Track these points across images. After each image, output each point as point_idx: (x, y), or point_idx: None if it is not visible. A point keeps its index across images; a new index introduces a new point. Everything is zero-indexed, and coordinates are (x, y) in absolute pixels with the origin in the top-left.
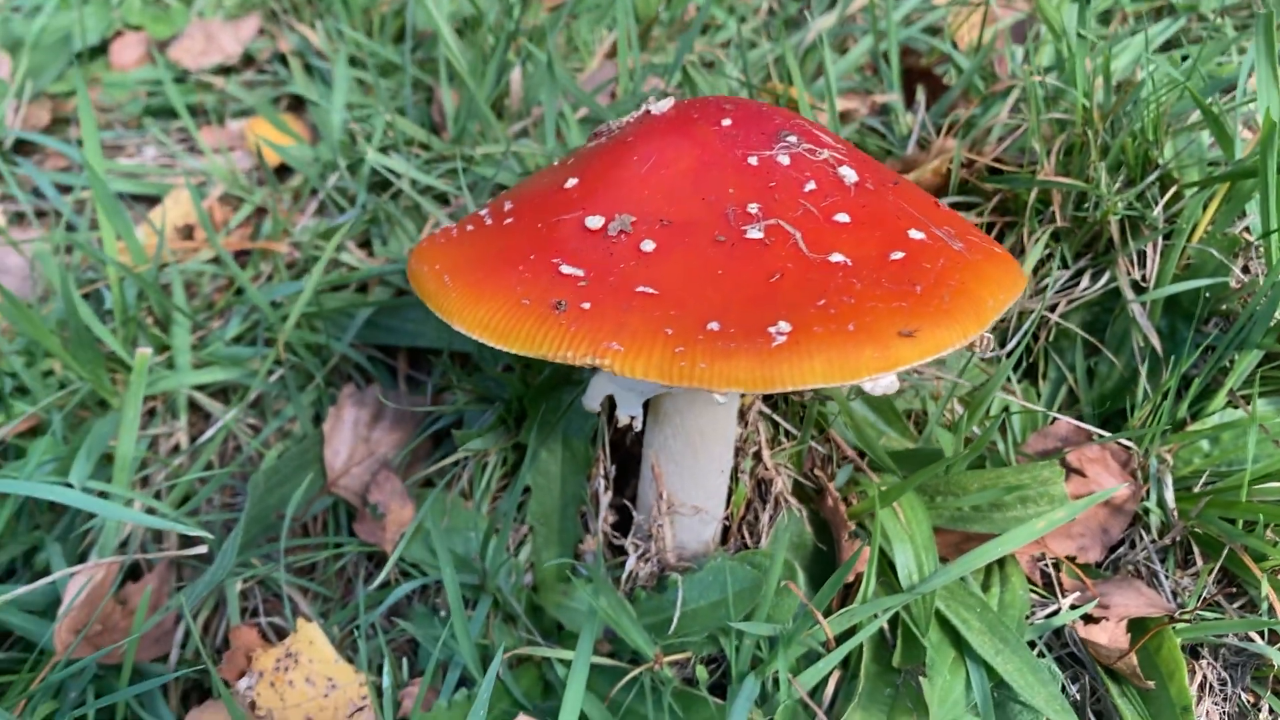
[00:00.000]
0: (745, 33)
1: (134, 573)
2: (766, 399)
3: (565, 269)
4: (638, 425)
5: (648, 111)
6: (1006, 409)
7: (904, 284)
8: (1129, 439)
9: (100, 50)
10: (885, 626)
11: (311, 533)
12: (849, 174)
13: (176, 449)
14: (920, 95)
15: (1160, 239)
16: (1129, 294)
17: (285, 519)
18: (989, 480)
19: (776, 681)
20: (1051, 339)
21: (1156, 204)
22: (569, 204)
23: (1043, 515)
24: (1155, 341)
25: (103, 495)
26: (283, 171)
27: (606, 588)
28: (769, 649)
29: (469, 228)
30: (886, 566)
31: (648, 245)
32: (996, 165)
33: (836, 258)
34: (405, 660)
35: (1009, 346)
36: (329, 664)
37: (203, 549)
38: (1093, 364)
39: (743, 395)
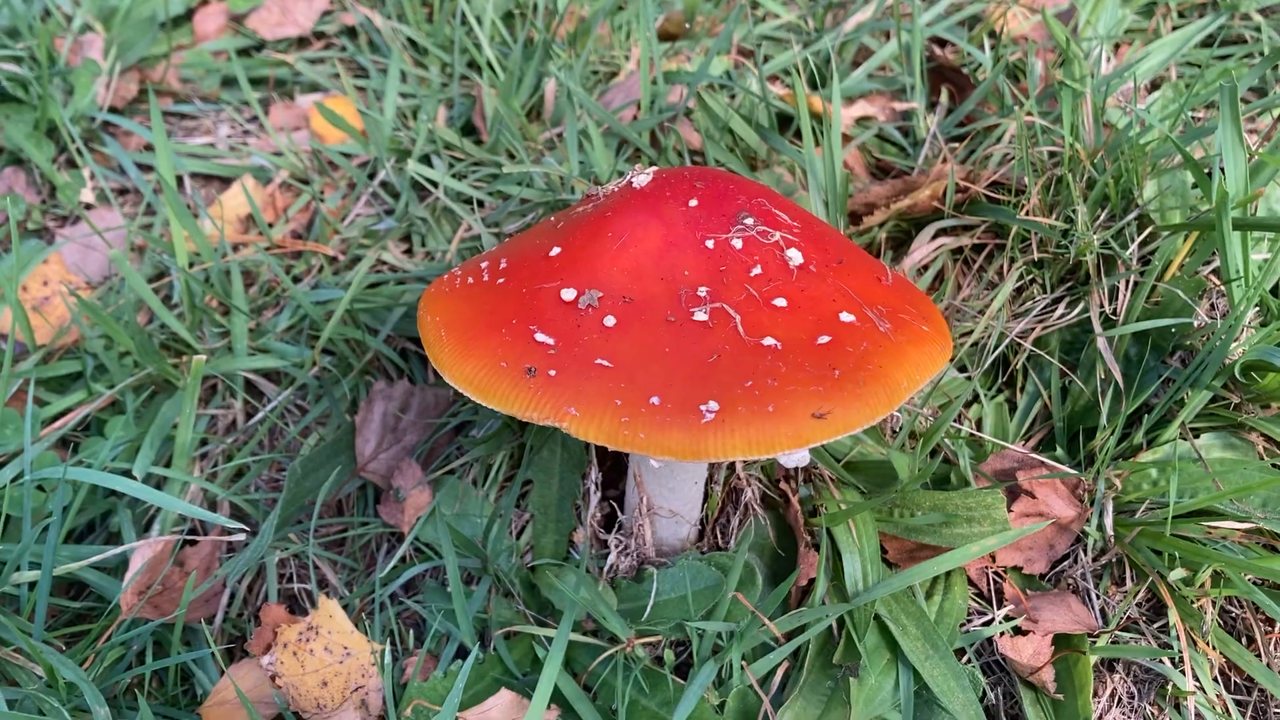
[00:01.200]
0: (778, 31)
1: (194, 533)
2: None
3: (539, 337)
4: None
5: (630, 183)
6: (962, 421)
7: (824, 368)
8: (1078, 456)
9: (185, 19)
10: (834, 625)
11: (344, 511)
12: (795, 256)
13: (233, 426)
14: (944, 98)
15: (1133, 277)
16: (1098, 327)
17: (317, 503)
18: (938, 502)
19: (733, 668)
20: (1031, 357)
21: (1133, 242)
22: (550, 273)
23: (984, 536)
24: (1116, 374)
25: (163, 479)
26: (341, 166)
27: (588, 580)
28: (728, 639)
29: (469, 280)
30: (840, 570)
31: (609, 320)
32: (991, 194)
33: (769, 341)
34: (413, 632)
35: (982, 367)
36: (345, 634)
37: (242, 536)
38: (1066, 383)
39: None
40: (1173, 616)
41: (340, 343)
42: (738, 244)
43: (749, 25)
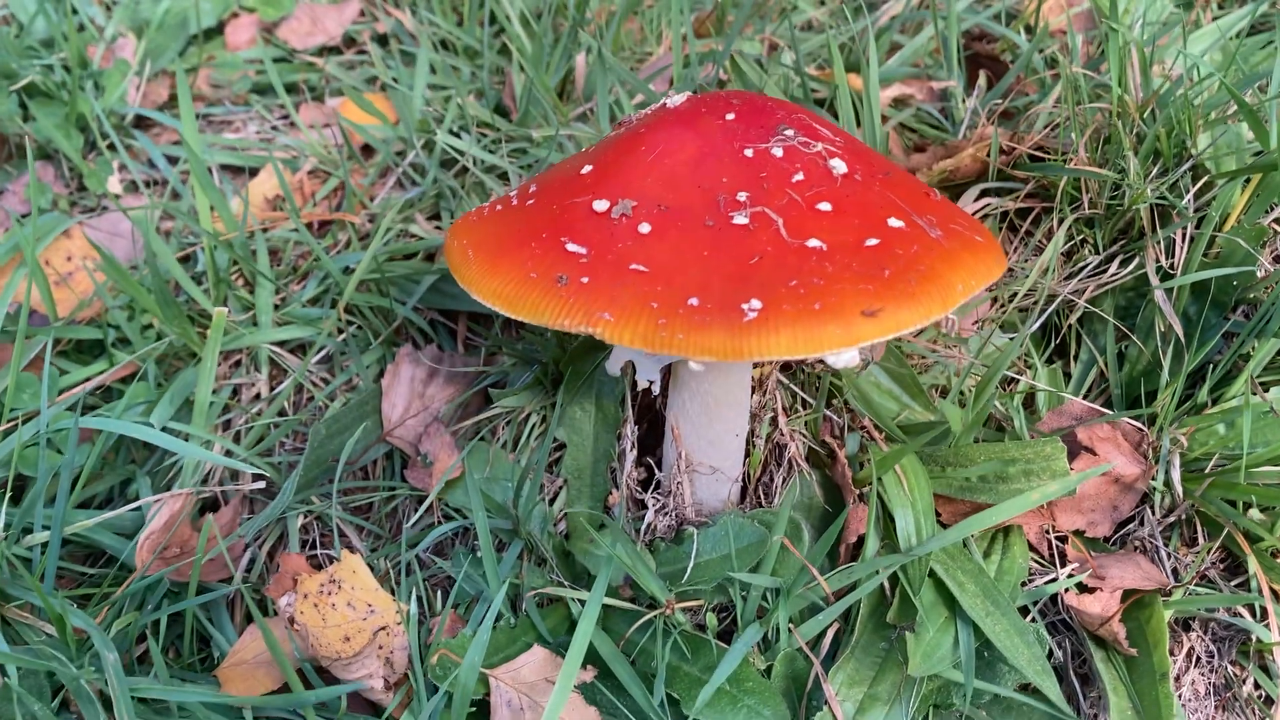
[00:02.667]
0: (818, 17)
1: (215, 507)
2: (784, 369)
3: (571, 247)
4: (656, 389)
5: (664, 105)
6: (1016, 385)
7: (874, 268)
8: (1139, 419)
9: (217, 31)
10: (886, 586)
11: (371, 477)
12: (839, 165)
13: (257, 398)
14: (981, 81)
15: (1190, 227)
16: (1154, 280)
17: (340, 461)
18: (994, 453)
19: (779, 631)
20: (1083, 322)
21: (1188, 193)
22: (582, 189)
23: (1048, 495)
24: (1177, 327)
25: (185, 437)
26: (368, 150)
27: (624, 537)
28: (774, 599)
29: (498, 208)
30: (892, 531)
31: (644, 227)
32: (1036, 153)
33: (813, 243)
34: (441, 594)
35: (1029, 327)
36: (370, 591)
37: (262, 484)
38: (1123, 348)
39: (757, 365)
40: (1252, 565)
41: (367, 311)
42: (778, 152)
43: (781, 22)
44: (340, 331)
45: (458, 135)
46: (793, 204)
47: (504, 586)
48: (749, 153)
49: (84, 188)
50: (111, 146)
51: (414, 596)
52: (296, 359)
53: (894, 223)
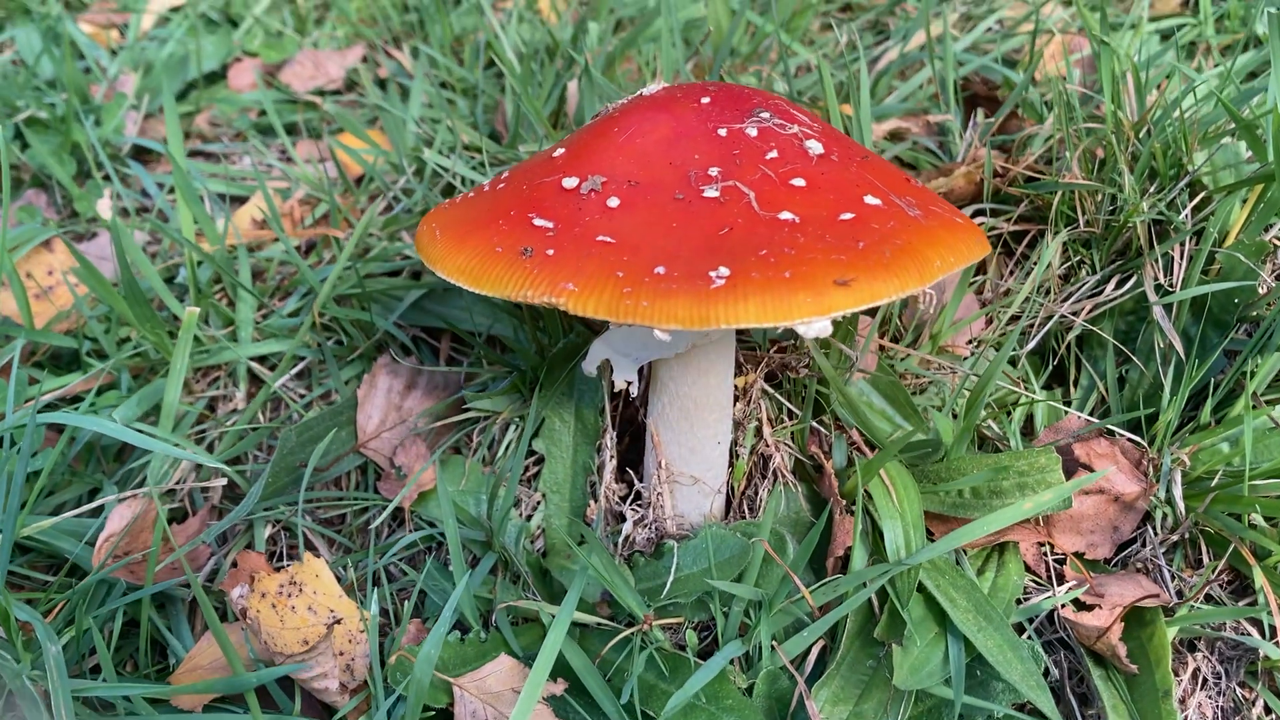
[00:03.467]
0: (814, 60)
1: (183, 518)
2: (769, 379)
3: (538, 222)
4: (634, 391)
5: (640, 93)
6: (1014, 409)
7: (848, 240)
8: (1137, 434)
9: (220, 75)
10: (874, 601)
11: (345, 489)
12: (815, 146)
13: (234, 412)
14: (979, 117)
15: (1188, 243)
16: (1152, 296)
17: (308, 467)
18: (987, 463)
19: (762, 648)
20: (1083, 347)
21: (1185, 208)
22: (553, 169)
23: (1041, 505)
24: (1176, 342)
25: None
26: (364, 181)
27: (601, 548)
28: (756, 615)
29: (470, 194)
30: (881, 545)
31: (613, 201)
32: (1032, 174)
33: (786, 215)
34: (410, 606)
35: (1028, 346)
36: (333, 597)
37: (224, 481)
38: (1124, 372)
39: (740, 374)
40: (1258, 578)
41: (349, 325)
42: (752, 132)
43: (778, 64)
44: (319, 345)
45: (447, 157)
46: (765, 179)
47: (462, 590)
48: (722, 132)
49: (75, 214)
50: (106, 177)
51: (375, 599)
52: (281, 377)
53: (871, 200)
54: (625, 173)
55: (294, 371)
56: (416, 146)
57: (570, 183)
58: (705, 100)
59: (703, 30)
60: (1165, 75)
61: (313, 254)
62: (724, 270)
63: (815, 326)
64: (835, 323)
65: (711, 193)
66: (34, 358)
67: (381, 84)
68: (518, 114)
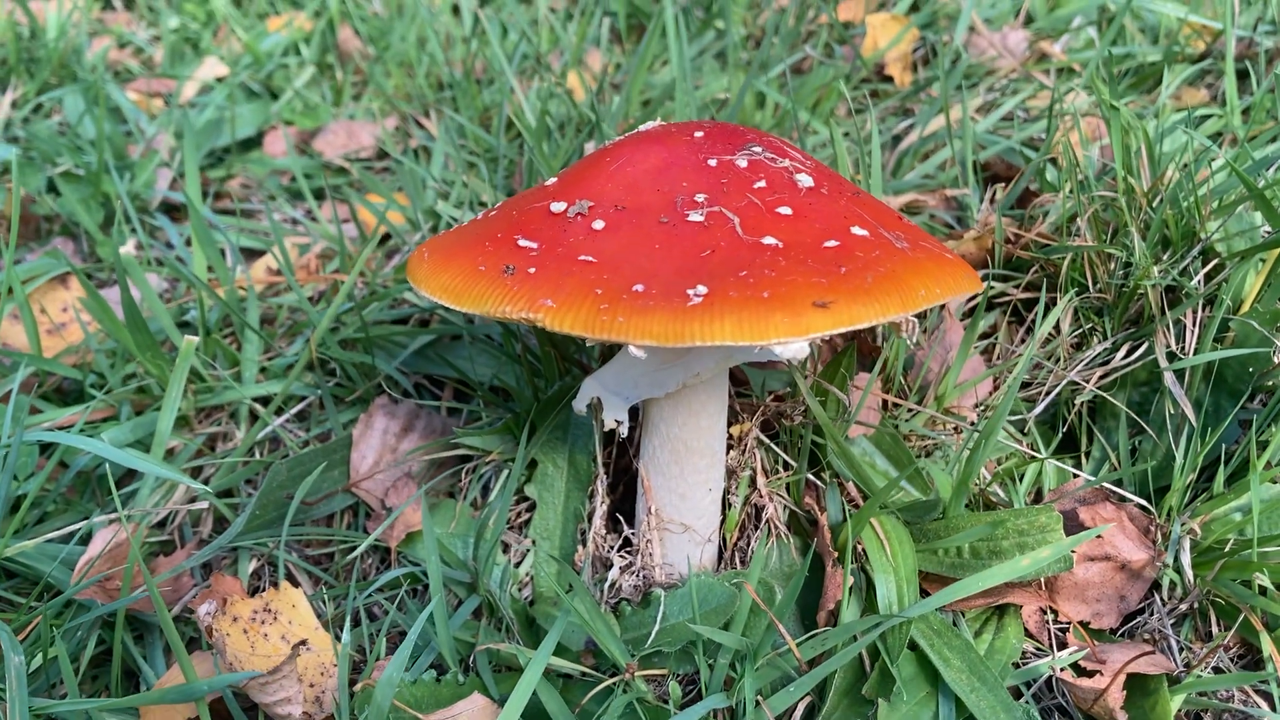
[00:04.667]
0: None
1: (172, 552)
2: (764, 429)
3: (522, 243)
4: (623, 431)
5: (637, 130)
6: (1023, 467)
7: (830, 265)
8: (1147, 505)
9: (256, 142)
10: (866, 659)
11: (336, 528)
12: (805, 179)
13: (234, 451)
14: (998, 194)
15: (1199, 309)
16: (1164, 362)
17: (295, 498)
18: (985, 519)
19: (746, 704)
20: (1095, 418)
21: (1197, 274)
22: (543, 196)
23: (1040, 563)
24: (1187, 408)
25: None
26: (385, 239)
27: (586, 595)
28: (741, 668)
29: (464, 224)
30: (874, 601)
31: (598, 224)
32: (1043, 240)
33: (769, 240)
34: (389, 644)
35: (1035, 411)
36: (309, 629)
37: (210, 513)
38: (1137, 443)
39: (734, 422)
40: (1267, 646)
41: (350, 368)
42: (742, 163)
43: (800, 141)
44: (317, 385)
45: (460, 209)
46: (751, 206)
47: (425, 621)
48: (713, 163)
49: (99, 260)
50: (134, 229)
51: (348, 630)
52: (281, 417)
53: (858, 231)
54: (613, 198)
55: (294, 412)
56: (433, 205)
57: (558, 207)
58: (699, 134)
59: (725, 104)
60: (1181, 149)
61: (323, 301)
62: (701, 289)
63: (792, 348)
64: (817, 347)
65: (696, 217)
66: (40, 389)
67: (412, 153)
68: (531, 168)
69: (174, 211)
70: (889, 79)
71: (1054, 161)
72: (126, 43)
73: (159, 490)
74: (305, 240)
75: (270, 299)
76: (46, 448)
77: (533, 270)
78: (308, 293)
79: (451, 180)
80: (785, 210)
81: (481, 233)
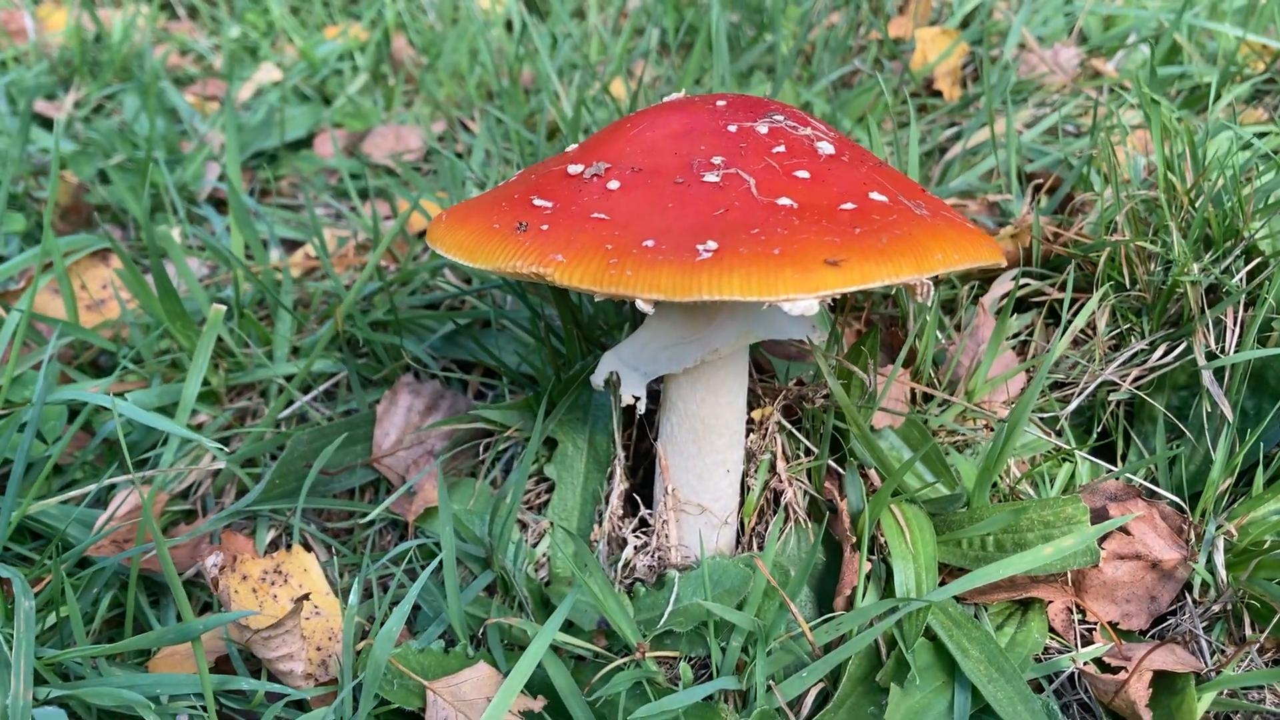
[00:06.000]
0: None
1: (192, 519)
2: (787, 414)
3: (538, 202)
4: (641, 407)
5: (663, 100)
6: (1056, 465)
7: (845, 226)
8: (1177, 498)
9: (307, 143)
10: (882, 647)
11: (359, 500)
12: (825, 147)
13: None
14: (1042, 201)
15: (1241, 305)
16: (1202, 360)
17: (313, 468)
18: (1009, 508)
19: (758, 688)
20: (1133, 422)
21: (1238, 273)
22: (563, 160)
23: (1063, 551)
24: (1225, 407)
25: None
26: (424, 234)
27: (599, 573)
28: (753, 651)
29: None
30: (893, 589)
31: (613, 184)
32: (1081, 239)
33: (784, 201)
34: (385, 605)
35: (1069, 408)
36: (319, 594)
37: (219, 467)
38: (1175, 447)
39: (754, 406)
40: None
41: (380, 350)
42: (763, 129)
43: None
44: (337, 333)
45: None
46: (769, 169)
47: (438, 592)
48: (733, 128)
49: (145, 247)
50: (180, 219)
51: (356, 592)
52: (308, 395)
53: (876, 196)
54: (631, 161)
55: (322, 389)
56: (469, 196)
57: (575, 169)
58: (721, 104)
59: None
60: (1228, 150)
61: (362, 275)
62: (711, 244)
63: (800, 305)
64: (841, 332)
65: (712, 178)
66: (77, 362)
67: (455, 154)
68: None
69: (221, 205)
70: (938, 93)
71: (1100, 172)
72: (188, 50)
73: (184, 458)
74: (346, 233)
75: (306, 283)
76: (75, 417)
77: (545, 228)
78: (344, 279)
79: (490, 175)
80: (803, 174)
81: (500, 195)
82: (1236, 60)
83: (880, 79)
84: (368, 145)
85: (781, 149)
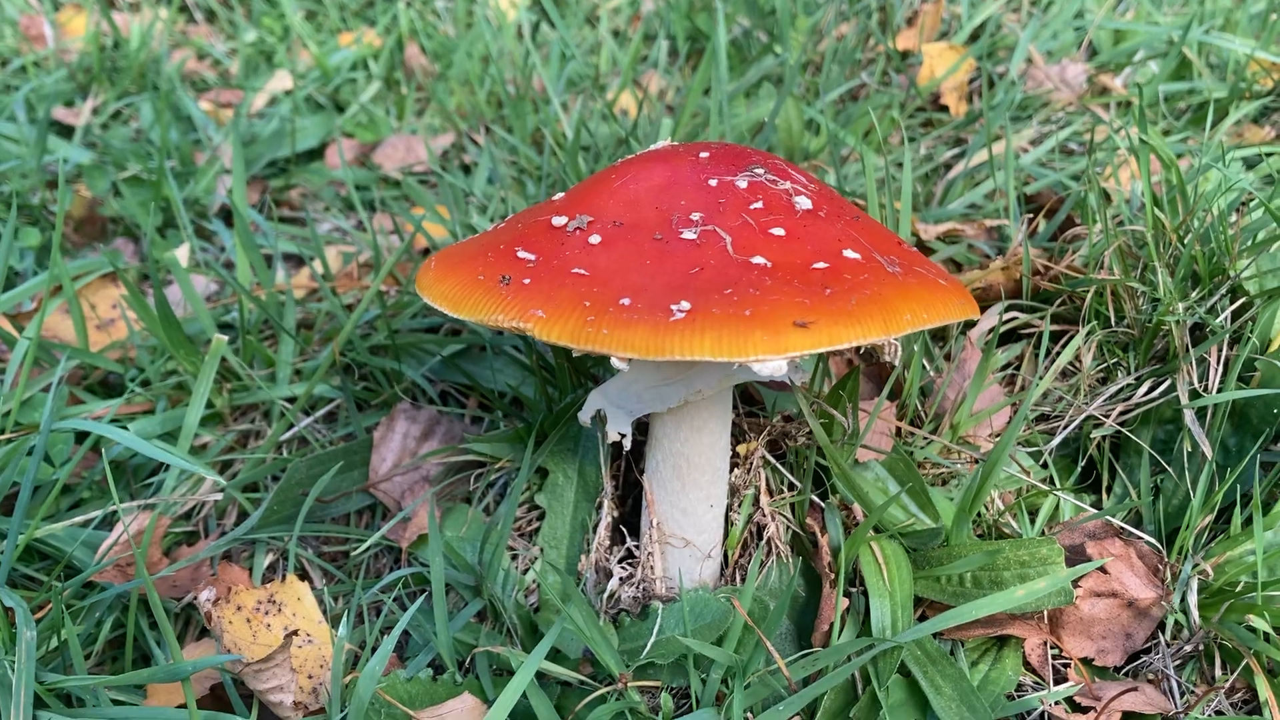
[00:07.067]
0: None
1: (194, 541)
2: (772, 448)
3: (521, 254)
4: (627, 444)
5: (650, 148)
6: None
7: (815, 286)
8: (1167, 543)
9: (319, 153)
10: (858, 682)
11: (355, 526)
12: (803, 202)
13: (260, 448)
14: (1041, 225)
15: (1224, 347)
16: (1185, 398)
17: (310, 495)
18: (985, 547)
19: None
20: (1119, 455)
21: (1223, 313)
22: (549, 210)
23: (1035, 594)
24: (1205, 447)
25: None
26: (427, 253)
27: (583, 604)
28: (732, 683)
29: (476, 235)
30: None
31: (595, 239)
32: (1072, 273)
33: (758, 260)
34: (375, 633)
35: (1053, 443)
36: (311, 623)
37: (219, 495)
38: (1159, 481)
39: (740, 440)
40: (1263, 690)
41: (379, 374)
42: (742, 184)
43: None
44: (334, 361)
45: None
46: (745, 226)
47: (426, 620)
48: (713, 183)
49: (156, 261)
50: (200, 232)
51: (346, 623)
52: (305, 416)
53: (849, 254)
54: (613, 214)
55: (322, 413)
56: (471, 220)
57: (559, 221)
58: (704, 155)
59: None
60: (1218, 187)
61: (361, 307)
62: (685, 304)
63: (770, 366)
64: (826, 370)
65: (689, 235)
66: (86, 382)
67: (463, 168)
68: (564, 186)
69: (231, 218)
70: (944, 108)
71: (1104, 191)
72: (205, 54)
73: (186, 482)
74: (352, 249)
75: (310, 304)
76: (84, 437)
77: (527, 281)
78: (347, 299)
79: (492, 195)
80: (778, 231)
81: (486, 244)
82: (1245, 76)
83: (886, 95)
84: (379, 156)
85: (759, 205)
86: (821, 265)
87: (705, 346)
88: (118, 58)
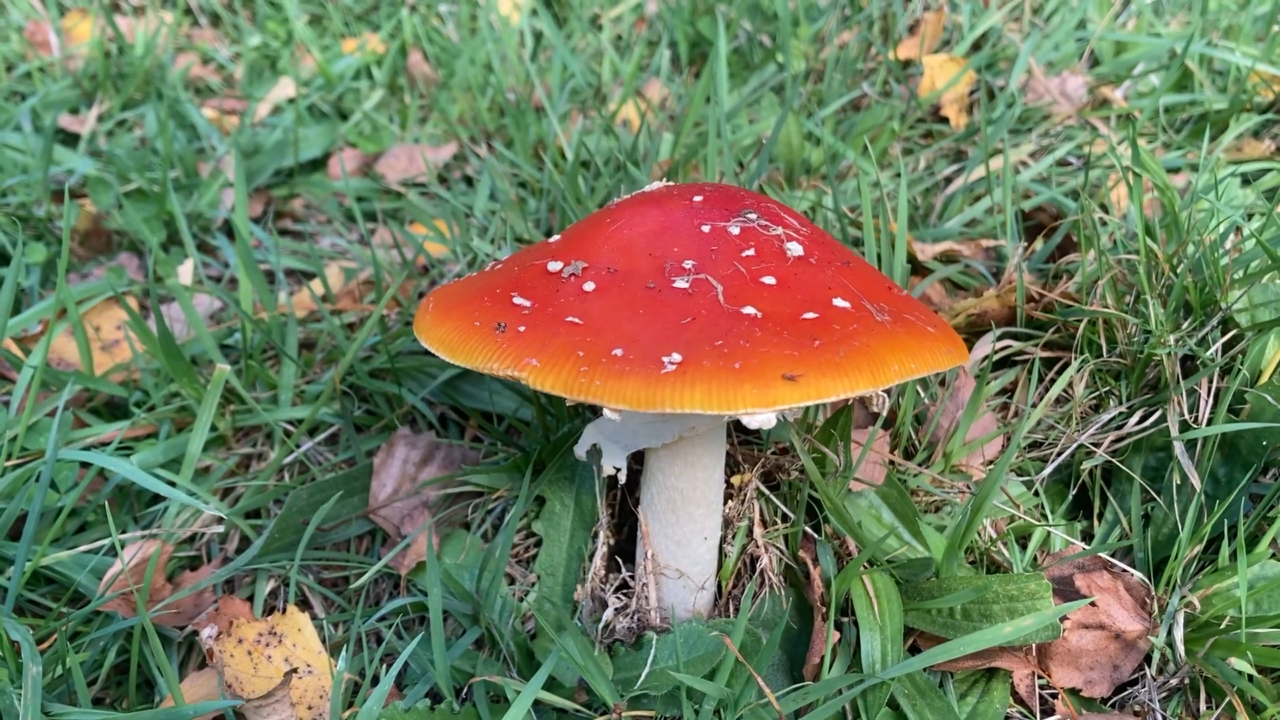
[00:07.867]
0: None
1: (197, 565)
2: (766, 480)
3: (517, 300)
4: (621, 478)
5: (643, 190)
6: (1029, 539)
7: (804, 337)
8: (1156, 574)
9: (322, 163)
10: (848, 713)
11: (356, 553)
12: (794, 248)
13: (262, 472)
14: (1038, 244)
15: (1214, 379)
16: (1174, 431)
17: (310, 524)
18: (974, 583)
19: None
20: (1111, 483)
21: (1214, 344)
22: (545, 254)
23: (1021, 630)
24: (1194, 478)
25: (169, 484)
26: (428, 269)
27: (578, 634)
28: (724, 716)
29: (473, 274)
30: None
31: (589, 286)
32: (1066, 301)
33: (748, 310)
34: (375, 665)
35: (1044, 472)
36: (312, 653)
37: (219, 526)
38: (1149, 510)
39: (734, 473)
40: None
41: (378, 398)
42: (734, 230)
43: (845, 182)
44: (336, 388)
45: (499, 247)
46: (737, 274)
47: (411, 647)
48: (706, 229)
49: (160, 278)
50: (201, 246)
51: (345, 657)
52: (307, 439)
53: (839, 303)
54: (607, 260)
55: (324, 436)
56: (470, 240)
57: (555, 266)
58: (698, 199)
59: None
60: (1209, 218)
61: (364, 327)
62: (676, 356)
63: (759, 418)
64: (786, 419)
65: (682, 283)
66: (90, 404)
67: (465, 180)
68: (562, 208)
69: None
70: (945, 120)
71: (1103, 207)
72: (210, 59)
73: (189, 508)
74: (354, 265)
75: (312, 324)
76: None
77: (522, 329)
78: (349, 319)
79: (493, 212)
80: (769, 280)
81: (483, 286)
82: (1247, 88)
83: (887, 106)
84: (382, 166)
85: (751, 252)
86: (811, 315)
87: (695, 400)
88: (123, 64)
